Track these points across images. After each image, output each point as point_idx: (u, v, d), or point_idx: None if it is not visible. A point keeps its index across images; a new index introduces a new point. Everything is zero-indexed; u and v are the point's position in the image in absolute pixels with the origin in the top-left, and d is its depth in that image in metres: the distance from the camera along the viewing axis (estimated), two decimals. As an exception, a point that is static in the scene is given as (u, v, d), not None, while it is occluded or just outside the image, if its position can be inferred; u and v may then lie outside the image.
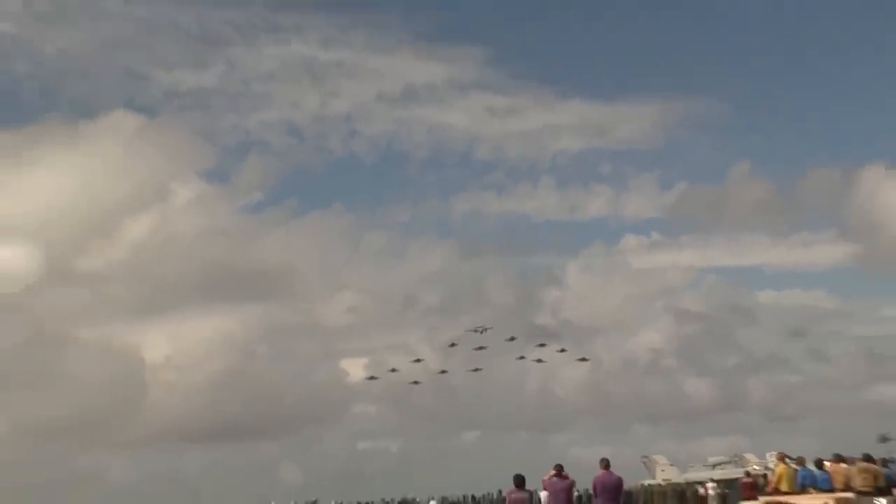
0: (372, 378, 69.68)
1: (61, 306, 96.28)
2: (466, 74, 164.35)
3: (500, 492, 44.12)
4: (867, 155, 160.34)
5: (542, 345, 64.69)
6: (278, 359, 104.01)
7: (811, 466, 17.75)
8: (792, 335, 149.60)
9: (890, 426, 62.94)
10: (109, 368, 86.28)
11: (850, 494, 16.55)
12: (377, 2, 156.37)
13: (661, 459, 78.59)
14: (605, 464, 16.53)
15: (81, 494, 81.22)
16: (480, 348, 61.96)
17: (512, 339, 63.65)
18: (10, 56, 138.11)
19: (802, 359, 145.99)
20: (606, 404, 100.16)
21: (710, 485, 51.31)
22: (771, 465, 29.20)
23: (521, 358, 64.56)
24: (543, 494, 20.42)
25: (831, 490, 16.73)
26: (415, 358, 65.51)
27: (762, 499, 17.11)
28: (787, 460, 18.23)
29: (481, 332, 61.79)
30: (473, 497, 49.60)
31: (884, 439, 44.25)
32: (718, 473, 65.41)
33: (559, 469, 16.55)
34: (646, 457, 79.40)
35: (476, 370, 64.33)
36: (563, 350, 65.52)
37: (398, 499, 53.38)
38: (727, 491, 50.62)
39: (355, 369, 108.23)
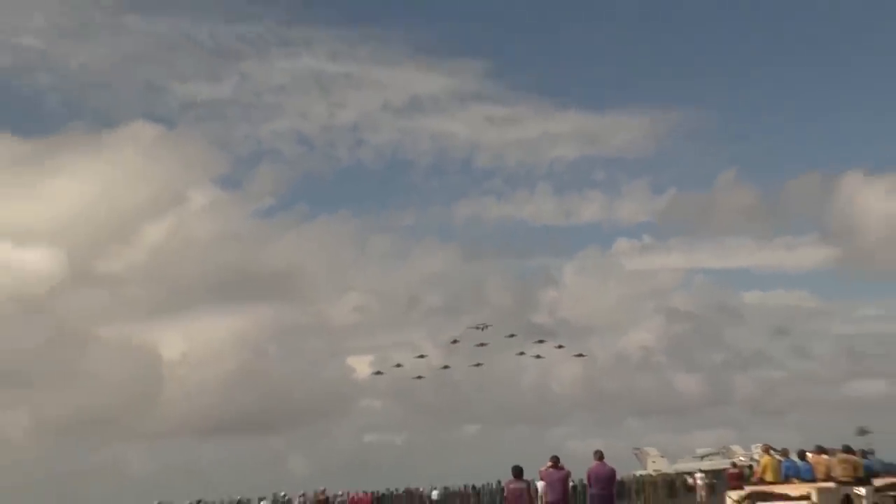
0: (378, 373, 69.73)
1: (83, 306, 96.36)
2: (467, 86, 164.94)
3: (499, 482, 44.02)
4: (847, 163, 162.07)
5: (541, 341, 64.72)
6: (288, 356, 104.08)
7: (794, 458, 17.74)
8: (776, 333, 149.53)
9: (868, 420, 63.02)
10: (128, 365, 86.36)
11: (831, 484, 16.55)
12: (383, 17, 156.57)
13: (652, 451, 78.47)
14: (599, 455, 16.55)
15: (102, 484, 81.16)
16: (481, 345, 61.92)
17: (512, 335, 63.67)
18: (35, 69, 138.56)
19: (786, 356, 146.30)
20: (600, 399, 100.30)
21: (698, 475, 51.26)
22: (756, 457, 29.18)
23: (521, 354, 64.60)
24: (541, 484, 20.44)
25: (813, 480, 16.72)
26: (418, 354, 65.64)
27: (748, 488, 17.09)
28: (772, 452, 18.22)
29: (482, 329, 61.79)
30: (474, 487, 49.48)
31: (862, 432, 44.24)
32: (706, 464, 65.31)
33: (555, 460, 16.56)
34: (637, 449, 79.31)
35: (477, 365, 64.36)
36: (560, 346, 65.58)
37: (402, 489, 53.23)
38: (715, 481, 50.63)
39: (361, 366, 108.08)
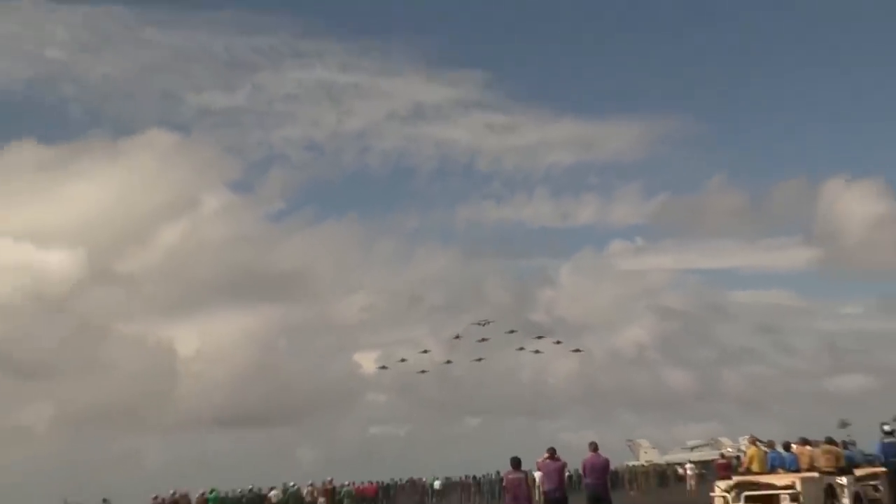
0: (383, 367, 69.72)
1: (102, 305, 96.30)
2: (469, 95, 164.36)
3: (498, 472, 43.97)
4: (830, 169, 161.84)
5: (540, 337, 64.79)
6: (297, 353, 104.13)
7: (780, 449, 17.75)
8: (762, 331, 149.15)
9: (849, 413, 62.74)
10: (145, 361, 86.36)
11: (814, 474, 16.57)
12: (389, 31, 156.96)
13: (644, 443, 78.31)
14: (594, 447, 16.58)
15: (119, 474, 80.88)
16: (483, 340, 62.00)
17: (512, 331, 63.68)
18: (58, 80, 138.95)
19: (771, 352, 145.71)
20: (595, 393, 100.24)
21: (688, 466, 51.27)
22: (743, 448, 29.09)
23: (521, 349, 64.59)
24: (538, 475, 20.39)
25: (797, 470, 16.75)
26: (422, 350, 65.64)
27: (735, 478, 17.10)
28: (758, 443, 18.23)
29: (483, 325, 61.83)
30: (474, 477, 49.43)
31: (843, 424, 44.24)
32: (696, 455, 65.23)
33: (552, 452, 16.60)
34: (630, 440, 79.11)
35: (478, 360, 64.38)
36: (558, 342, 65.59)
37: (406, 479, 53.23)
38: (704, 471, 50.68)
39: (367, 362, 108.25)
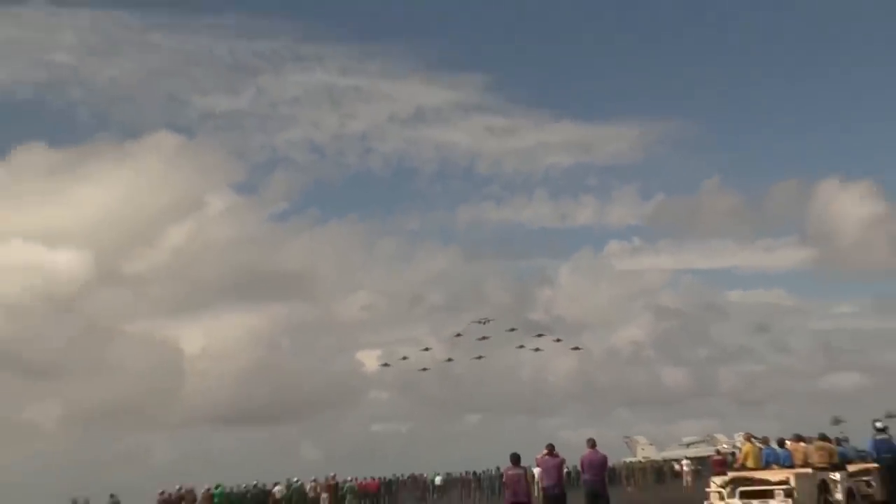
0: (385, 365, 69.63)
1: (109, 305, 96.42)
2: (469, 98, 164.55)
3: (498, 468, 43.96)
4: (823, 170, 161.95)
5: (540, 335, 64.67)
6: (300, 351, 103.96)
7: (774, 445, 17.77)
8: (757, 330, 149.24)
9: (842, 410, 62.83)
10: (151, 359, 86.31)
11: (808, 470, 16.58)
12: (390, 35, 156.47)
13: (641, 439, 78.34)
14: (592, 443, 16.60)
15: (126, 470, 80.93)
16: (483, 338, 61.87)
17: (512, 329, 63.57)
18: (67, 84, 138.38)
19: (766, 350, 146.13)
20: (593, 391, 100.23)
21: (684, 462, 51.36)
22: (738, 445, 29.15)
23: (521, 347, 64.45)
24: (537, 471, 20.43)
25: (792, 466, 16.77)
26: (423, 347, 65.55)
27: (731, 474, 17.11)
28: (753, 440, 18.23)
29: (484, 324, 61.70)
30: (475, 473, 49.40)
31: (836, 421, 44.30)
32: (692, 452, 65.23)
33: (551, 448, 16.61)
34: (627, 437, 79.20)
35: (479, 358, 64.17)
36: (558, 340, 65.50)
37: (407, 475, 53.21)
38: (700, 467, 50.67)
39: (369, 360, 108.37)
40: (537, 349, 64.06)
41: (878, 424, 19.45)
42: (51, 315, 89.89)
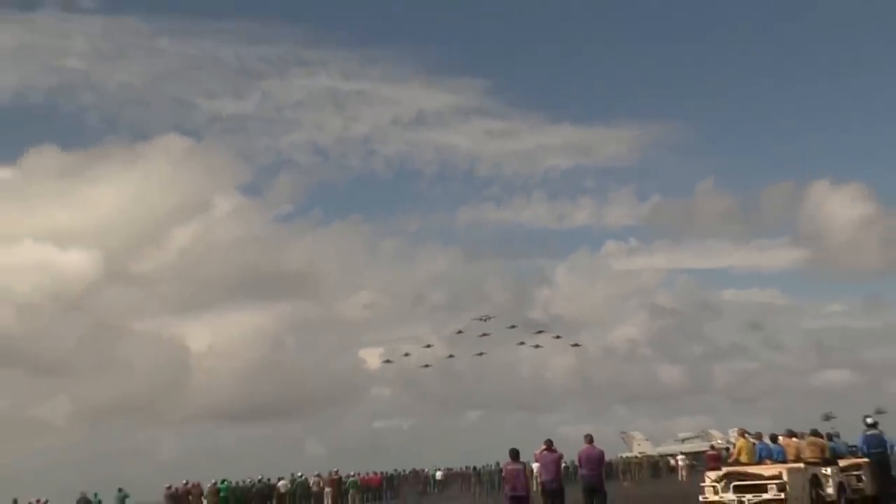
0: (388, 362, 69.61)
1: (118, 303, 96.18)
2: (469, 102, 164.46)
3: (497, 463, 43.95)
4: (815, 172, 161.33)
5: (540, 331, 64.64)
6: (304, 349, 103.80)
7: (767, 441, 17.74)
8: (750, 328, 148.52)
9: (833, 406, 62.85)
10: (159, 357, 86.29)
11: (800, 464, 16.57)
12: (392, 40, 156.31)
13: (637, 435, 78.17)
14: (589, 439, 16.62)
15: (134, 465, 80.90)
16: (484, 335, 61.80)
17: (513, 326, 63.52)
18: (78, 88, 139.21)
19: (759, 348, 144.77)
20: (590, 388, 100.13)
21: (680, 457, 51.29)
22: (732, 440, 29.18)
23: (521, 343, 64.36)
24: (535, 466, 20.45)
25: (784, 461, 16.76)
26: (425, 344, 65.46)
27: (725, 469, 17.09)
28: (747, 435, 18.21)
29: (485, 321, 61.66)
30: (475, 468, 49.36)
31: (827, 417, 44.31)
32: (687, 447, 65.06)
33: (549, 444, 16.65)
34: (624, 433, 78.96)
35: (480, 354, 64.00)
36: (558, 336, 65.49)
37: (409, 470, 53.22)
38: (695, 462, 50.65)
39: (372, 357, 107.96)
40: (537, 346, 64.10)
41: (869, 420, 19.49)
42: (60, 314, 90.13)
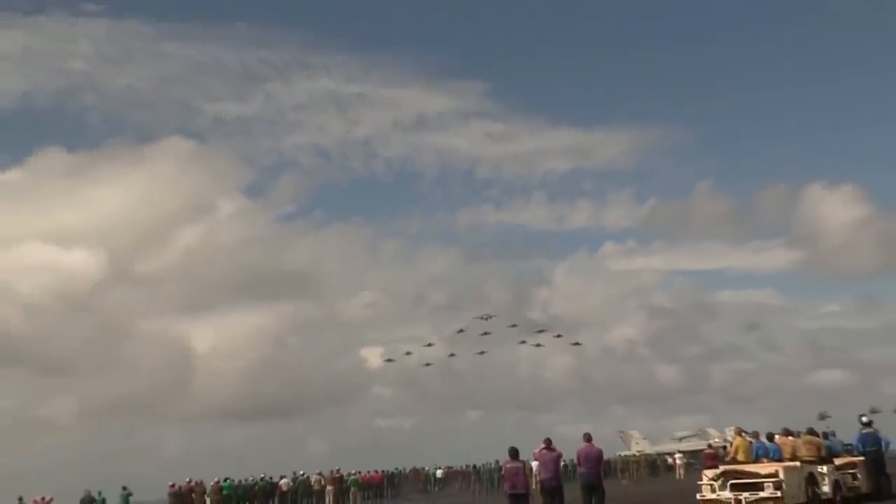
0: (389, 360, 69.40)
1: (123, 303, 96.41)
2: (469, 105, 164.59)
3: (497, 462, 43.98)
4: (809, 175, 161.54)
5: (541, 331, 64.41)
6: (307, 348, 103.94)
7: (764, 439, 17.73)
8: (746, 328, 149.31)
9: (828, 405, 62.71)
10: (163, 356, 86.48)
11: (796, 463, 16.58)
12: (393, 44, 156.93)
13: (635, 434, 78.09)
14: (588, 437, 16.59)
15: (138, 463, 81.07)
16: (485, 334, 61.55)
17: (513, 325, 63.28)
18: (83, 91, 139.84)
19: (755, 349, 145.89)
20: (589, 387, 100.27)
21: (677, 455, 51.30)
22: (729, 439, 29.10)
23: (523, 342, 64.10)
24: (535, 464, 20.42)
25: (781, 459, 16.75)
26: (426, 343, 65.14)
27: (722, 467, 17.08)
28: (743, 434, 18.18)
29: (486, 319, 61.40)
30: (475, 466, 49.34)
31: (822, 416, 44.17)
32: (685, 446, 65.14)
33: (548, 442, 16.61)
34: (622, 432, 78.85)
35: (481, 353, 63.69)
36: (559, 335, 65.27)
37: (409, 468, 53.15)
38: (692, 461, 50.68)
39: (373, 357, 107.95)
40: (538, 345, 63.90)
41: (864, 419, 19.47)
42: (66, 313, 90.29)
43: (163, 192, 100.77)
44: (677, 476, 45.11)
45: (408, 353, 64.67)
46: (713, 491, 16.04)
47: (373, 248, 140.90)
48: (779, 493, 15.22)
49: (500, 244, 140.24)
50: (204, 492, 36.19)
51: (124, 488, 32.41)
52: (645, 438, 76.58)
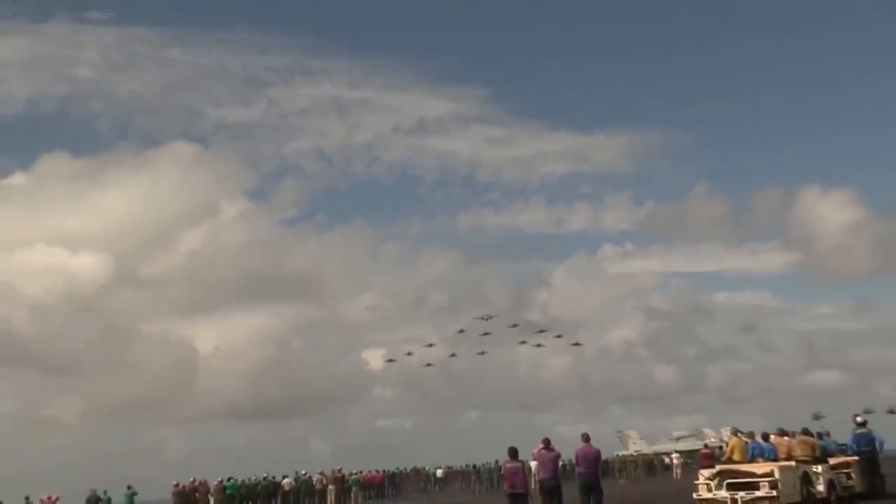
0: (391, 361, 69.16)
1: (128, 305, 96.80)
2: (469, 110, 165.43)
3: (496, 461, 43.96)
4: (805, 178, 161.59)
5: (542, 331, 64.21)
6: (309, 350, 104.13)
7: (759, 439, 17.73)
8: (743, 330, 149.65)
9: (823, 406, 62.78)
10: (167, 357, 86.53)
11: (791, 463, 16.58)
12: (394, 50, 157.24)
13: (633, 434, 77.93)
14: (586, 437, 16.61)
15: (143, 463, 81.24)
16: (486, 334, 61.35)
17: (514, 325, 63.07)
18: (89, 96, 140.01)
19: (751, 350, 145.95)
20: (587, 388, 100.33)
21: (674, 455, 51.32)
22: (725, 439, 29.08)
23: (523, 343, 63.88)
24: (534, 464, 20.45)
25: (776, 459, 16.76)
26: (427, 343, 64.88)
27: (718, 467, 17.09)
28: (739, 434, 18.19)
29: (487, 320, 61.17)
30: (474, 466, 49.31)
31: (817, 417, 44.20)
32: (682, 446, 64.99)
33: (547, 442, 16.61)
34: (620, 432, 78.67)
35: (482, 353, 63.45)
36: (559, 336, 65.08)
37: (410, 468, 53.10)
38: (689, 460, 50.64)
39: (374, 358, 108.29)
40: (539, 345, 63.72)
41: (858, 419, 19.49)
42: (72, 315, 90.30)
43: (167, 196, 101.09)
44: (674, 476, 45.12)
45: (409, 354, 64.50)
46: (709, 490, 16.04)
47: (374, 251, 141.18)
48: (774, 493, 15.22)
49: (500, 246, 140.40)
50: (207, 491, 36.16)
51: (129, 487, 32.39)
52: (642, 438, 76.44)
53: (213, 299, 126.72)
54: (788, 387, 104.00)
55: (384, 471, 48.88)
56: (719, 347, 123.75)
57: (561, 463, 18.41)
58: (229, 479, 37.08)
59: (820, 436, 19.28)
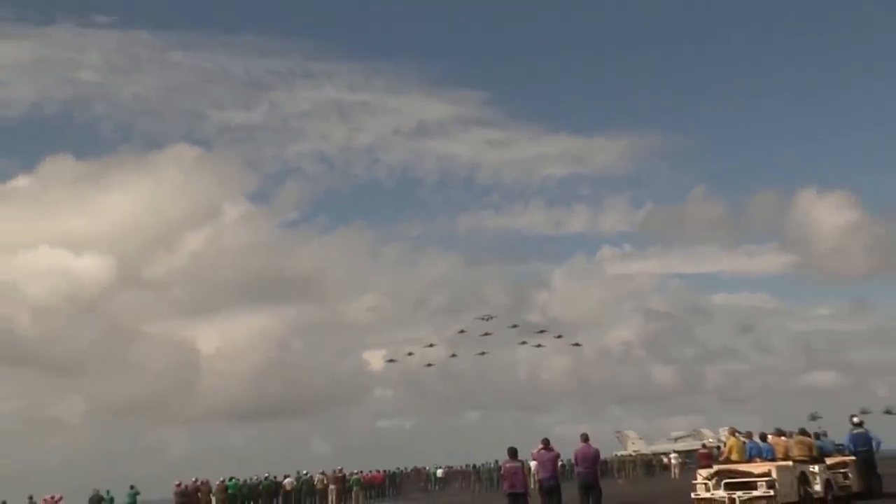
0: (391, 361, 68.98)
1: (131, 306, 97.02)
2: (469, 113, 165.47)
3: (496, 461, 43.95)
4: (802, 181, 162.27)
5: (542, 331, 64.07)
6: (310, 351, 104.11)
7: (757, 439, 17.75)
8: (740, 331, 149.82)
9: (820, 406, 62.60)
10: (170, 358, 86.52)
11: (788, 462, 16.59)
12: (395, 53, 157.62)
13: (631, 434, 77.89)
14: (585, 438, 16.63)
15: (145, 463, 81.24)
16: (486, 334, 61.20)
17: (514, 326, 62.92)
18: (93, 100, 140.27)
19: (749, 350, 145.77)
20: (586, 388, 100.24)
21: (672, 455, 51.25)
22: (723, 439, 29.12)
23: (523, 343, 63.73)
24: (533, 464, 20.49)
25: (773, 459, 16.78)
26: (428, 344, 64.68)
27: (716, 467, 17.11)
28: (737, 434, 18.22)
29: (487, 320, 61.00)
30: (474, 466, 49.29)
31: (814, 417, 44.16)
32: (680, 446, 64.91)
33: (546, 443, 16.64)
34: (619, 432, 78.63)
35: (482, 354, 63.30)
36: (559, 336, 64.93)
37: (411, 468, 53.06)
38: (687, 460, 50.63)
39: (375, 359, 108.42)
40: (539, 345, 63.59)
41: (855, 419, 19.49)
42: (75, 316, 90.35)
43: (169, 198, 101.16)
44: (672, 475, 45.08)
45: (410, 354, 64.34)
46: (707, 490, 16.07)
47: (375, 253, 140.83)
48: (771, 492, 15.24)
49: (500, 248, 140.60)
50: (209, 491, 36.16)
51: (132, 487, 32.39)
52: (641, 438, 76.39)
53: (215, 300, 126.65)
54: (786, 387, 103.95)
55: (385, 471, 48.87)
56: (717, 348, 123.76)
57: (560, 463, 18.42)
58: (231, 479, 37.07)
59: (817, 436, 19.30)
